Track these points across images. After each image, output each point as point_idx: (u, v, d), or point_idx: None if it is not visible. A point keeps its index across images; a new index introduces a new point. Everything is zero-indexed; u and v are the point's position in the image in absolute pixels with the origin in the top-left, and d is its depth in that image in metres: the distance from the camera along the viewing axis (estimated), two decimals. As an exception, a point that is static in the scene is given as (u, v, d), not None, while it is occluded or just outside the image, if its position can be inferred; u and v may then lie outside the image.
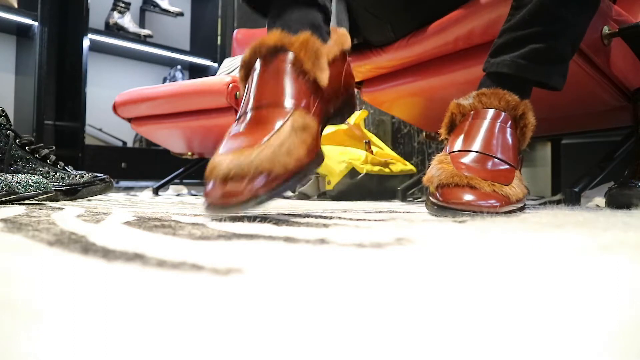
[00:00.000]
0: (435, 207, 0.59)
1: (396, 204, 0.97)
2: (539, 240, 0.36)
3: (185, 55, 2.77)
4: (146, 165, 2.43)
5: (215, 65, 2.77)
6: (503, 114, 0.66)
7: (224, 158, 0.51)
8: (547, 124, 1.08)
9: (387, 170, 1.31)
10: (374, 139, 1.49)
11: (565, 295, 0.20)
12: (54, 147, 1.08)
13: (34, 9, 2.09)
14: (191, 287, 0.22)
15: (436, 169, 0.61)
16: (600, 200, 0.91)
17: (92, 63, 2.42)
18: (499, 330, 0.16)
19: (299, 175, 0.54)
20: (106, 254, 0.30)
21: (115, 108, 1.77)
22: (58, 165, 1.04)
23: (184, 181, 2.50)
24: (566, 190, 0.87)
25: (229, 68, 2.06)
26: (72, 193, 1.01)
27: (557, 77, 0.68)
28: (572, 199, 0.85)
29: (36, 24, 2.09)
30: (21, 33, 2.25)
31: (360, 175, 1.21)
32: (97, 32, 2.35)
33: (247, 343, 0.15)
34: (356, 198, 1.19)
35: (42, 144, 1.05)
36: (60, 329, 0.16)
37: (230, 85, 1.49)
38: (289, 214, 0.63)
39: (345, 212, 0.69)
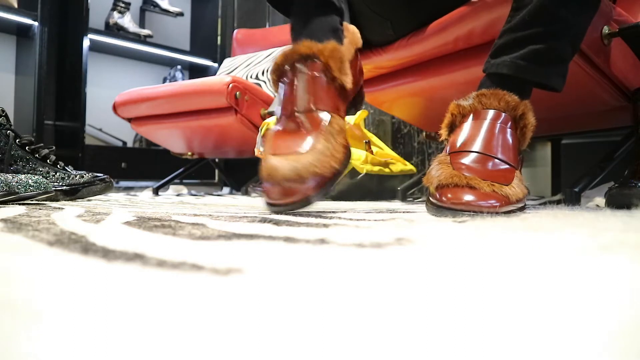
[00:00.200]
0: (435, 207, 0.59)
1: (396, 204, 0.97)
2: (539, 240, 0.36)
3: (185, 55, 2.77)
4: (146, 165, 2.43)
5: (215, 65, 2.77)
6: (503, 114, 0.66)
7: (280, 162, 0.60)
8: (547, 124, 1.08)
9: (387, 170, 1.31)
10: (374, 139, 1.49)
11: (565, 296, 0.20)
12: (54, 147, 1.08)
13: (34, 9, 2.09)
14: (191, 287, 0.22)
15: (436, 170, 0.61)
16: (600, 200, 0.91)
17: (92, 63, 2.42)
18: (499, 330, 0.16)
19: (339, 174, 0.64)
20: (106, 254, 0.30)
21: (115, 108, 1.77)
22: (58, 165, 1.04)
23: (184, 181, 2.50)
24: (566, 190, 0.87)
25: (229, 68, 2.06)
26: (72, 193, 1.01)
27: (556, 78, 0.68)
28: (572, 199, 0.85)
29: (36, 24, 2.09)
30: (21, 33, 2.25)
31: (360, 175, 1.21)
32: (97, 32, 2.35)
33: (247, 343, 0.15)
34: (356, 198, 1.19)
35: (42, 144, 1.05)
36: (60, 329, 0.16)
37: (230, 85, 1.49)
38: (289, 214, 0.63)
39: (345, 212, 0.69)
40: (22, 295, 0.21)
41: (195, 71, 2.89)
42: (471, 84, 0.75)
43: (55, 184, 1.00)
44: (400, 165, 1.39)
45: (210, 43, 2.86)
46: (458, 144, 0.65)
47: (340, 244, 0.35)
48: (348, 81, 0.70)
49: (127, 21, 2.54)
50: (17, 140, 1.02)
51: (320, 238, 0.37)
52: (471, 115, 0.67)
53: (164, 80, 2.73)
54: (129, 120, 1.81)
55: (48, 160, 1.03)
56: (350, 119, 1.32)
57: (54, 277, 0.24)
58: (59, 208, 0.75)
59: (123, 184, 2.39)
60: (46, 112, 2.15)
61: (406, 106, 1.21)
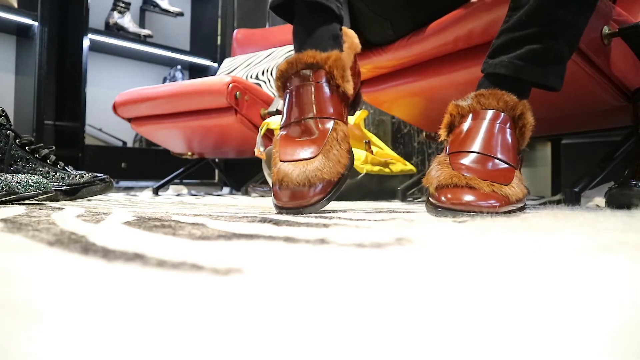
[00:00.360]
0: (435, 208, 0.59)
1: (396, 204, 0.97)
2: (539, 240, 0.36)
3: (185, 55, 2.77)
4: (146, 165, 2.43)
5: (215, 65, 2.77)
6: (502, 114, 0.66)
7: (290, 168, 0.65)
8: (547, 123, 1.08)
9: (387, 170, 1.31)
10: (374, 139, 1.49)
11: (565, 296, 0.20)
12: (54, 147, 1.08)
13: (34, 9, 2.09)
14: (191, 287, 0.22)
15: (435, 170, 0.62)
16: (600, 200, 0.91)
17: (92, 63, 2.42)
18: (499, 330, 0.16)
19: (344, 178, 0.69)
20: (106, 254, 0.30)
21: (115, 108, 1.77)
22: (58, 165, 1.04)
23: (184, 181, 2.50)
24: (566, 190, 0.87)
25: (229, 68, 2.06)
26: (72, 193, 1.01)
27: (554, 78, 0.68)
28: (572, 199, 0.85)
29: (36, 24, 2.09)
30: (21, 33, 2.25)
31: (360, 175, 1.21)
32: (97, 32, 2.35)
33: (247, 343, 0.15)
34: (356, 198, 1.19)
35: (42, 144, 1.05)
36: (60, 329, 0.16)
37: (230, 85, 1.49)
38: (289, 214, 0.63)
39: (345, 212, 0.69)
40: (22, 295, 0.21)
41: (195, 71, 2.89)
42: (471, 84, 0.75)
43: (55, 184, 1.00)
44: (400, 165, 1.39)
45: (210, 43, 2.85)
46: (457, 145, 0.65)
47: (340, 244, 0.35)
48: (350, 88, 0.74)
49: (127, 21, 2.54)
50: (17, 140, 1.02)
51: (320, 238, 0.37)
52: (470, 116, 0.67)
53: (164, 80, 2.73)
54: (129, 120, 1.81)
55: (48, 160, 1.03)
56: (350, 119, 1.32)
57: (54, 277, 0.24)
58: (59, 208, 0.75)
59: (123, 184, 2.39)
60: (46, 112, 2.15)
61: (406, 106, 1.21)
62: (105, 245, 0.34)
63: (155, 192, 1.87)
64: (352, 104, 0.81)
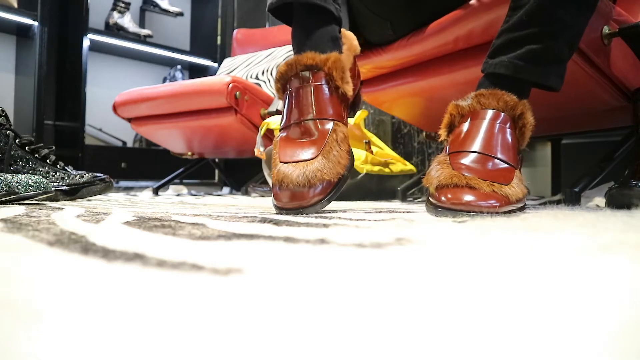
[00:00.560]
0: (435, 208, 0.59)
1: (396, 204, 0.97)
2: (539, 240, 0.36)
3: (185, 55, 2.77)
4: (146, 165, 2.44)
5: (215, 65, 2.77)
6: (502, 114, 0.66)
7: (290, 169, 0.65)
8: (547, 124, 1.08)
9: (387, 170, 1.31)
10: (374, 139, 1.49)
11: (565, 296, 0.20)
12: (54, 147, 1.08)
13: (34, 9, 2.09)
14: (191, 287, 0.22)
15: (435, 170, 0.61)
16: (600, 200, 0.91)
17: (92, 63, 2.42)
18: (499, 330, 0.16)
19: (344, 178, 0.69)
20: (106, 254, 0.30)
21: (115, 108, 1.77)
22: (58, 165, 1.04)
23: (184, 181, 2.50)
24: (566, 190, 0.87)
25: (229, 68, 2.06)
26: (72, 193, 1.01)
27: (554, 78, 0.68)
28: (572, 199, 0.85)
29: (36, 24, 2.09)
30: (21, 33, 2.25)
31: (360, 175, 1.21)
32: (97, 32, 2.35)
33: (247, 343, 0.15)
34: (356, 198, 1.19)
35: (42, 144, 1.05)
36: (60, 329, 0.16)
37: (230, 85, 1.49)
38: (289, 214, 0.63)
39: (345, 212, 0.69)
40: (22, 295, 0.21)
41: (195, 71, 2.89)
42: (471, 83, 0.75)
43: (55, 184, 1.00)
44: (400, 165, 1.39)
45: (210, 43, 2.85)
46: (457, 145, 0.65)
47: (340, 244, 0.35)
48: (349, 89, 0.74)
49: (127, 21, 2.54)
50: (17, 140, 1.02)
51: (320, 238, 0.37)
52: (470, 116, 0.67)
53: (164, 80, 2.73)
54: (129, 120, 1.81)
55: (48, 160, 1.03)
56: (350, 119, 1.32)
57: (54, 277, 0.24)
58: (59, 208, 0.75)
59: (123, 184, 2.39)
60: (46, 112, 2.15)
61: (406, 106, 1.21)
62: (105, 245, 0.34)
63: (155, 192, 1.87)
64: (352, 106, 0.81)
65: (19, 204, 0.83)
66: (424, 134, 1.30)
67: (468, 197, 0.56)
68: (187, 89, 1.58)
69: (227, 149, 1.87)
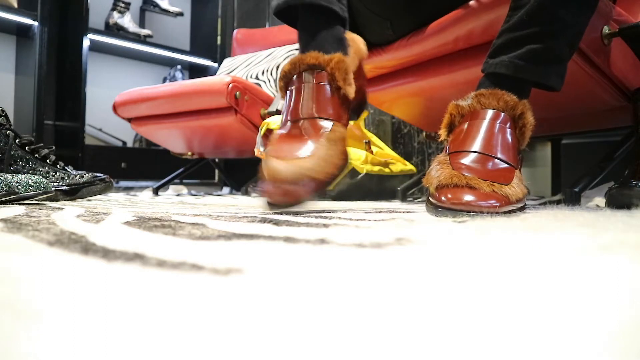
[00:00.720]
0: (435, 207, 0.59)
1: (396, 204, 0.97)
2: (539, 240, 0.36)
3: (185, 55, 2.77)
4: (146, 165, 2.44)
5: (215, 65, 2.76)
6: (502, 114, 0.66)
7: (281, 165, 0.63)
8: (547, 124, 1.08)
9: (387, 170, 1.31)
10: (374, 139, 1.49)
11: (566, 296, 0.20)
12: (54, 147, 1.08)
13: (34, 9, 2.09)
14: (191, 287, 0.22)
15: (435, 170, 0.61)
16: (600, 200, 0.91)
17: (92, 63, 2.42)
18: (499, 330, 0.16)
19: (335, 177, 0.68)
20: (106, 254, 0.30)
21: (115, 108, 1.77)
22: (58, 165, 1.04)
23: (184, 181, 2.50)
24: (566, 190, 0.87)
25: (229, 68, 2.06)
26: (72, 193, 1.01)
27: (555, 78, 0.68)
28: (572, 199, 0.85)
29: (36, 24, 2.09)
30: (21, 33, 2.25)
31: (360, 175, 1.21)
32: (97, 32, 2.35)
33: (247, 343, 0.15)
34: (356, 198, 1.19)
35: (42, 144, 1.05)
36: (60, 329, 0.16)
37: (230, 85, 1.49)
38: (289, 214, 0.63)
39: (345, 212, 0.69)
40: (22, 295, 0.21)
41: (195, 71, 2.89)
42: (471, 83, 0.75)
43: (55, 184, 1.00)
44: (400, 165, 1.39)
45: (210, 43, 2.85)
46: (457, 144, 0.65)
47: (340, 244, 0.35)
48: (351, 92, 0.73)
49: (127, 21, 2.54)
50: (17, 140, 1.02)
51: (320, 238, 0.37)
52: (470, 115, 0.67)
53: (164, 80, 2.73)
54: (129, 120, 1.81)
55: (48, 160, 1.03)
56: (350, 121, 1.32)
57: (54, 277, 0.24)
58: (59, 208, 0.75)
59: (123, 184, 2.39)
60: (46, 112, 2.15)
61: (406, 106, 1.21)
62: (105, 245, 0.34)
63: (155, 192, 1.87)
64: (357, 108, 0.81)
65: (19, 204, 0.83)
66: (424, 134, 1.30)
67: (468, 197, 0.56)
68: (187, 89, 1.58)
69: (227, 149, 1.87)
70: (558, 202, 0.89)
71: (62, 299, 0.20)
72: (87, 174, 1.05)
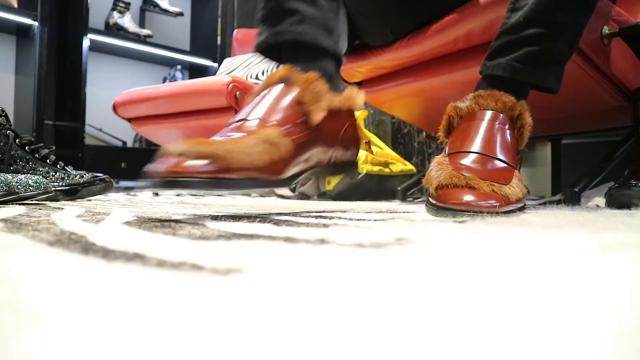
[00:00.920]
0: (435, 208, 0.59)
1: (396, 204, 0.97)
2: (539, 240, 0.36)
3: (185, 55, 2.77)
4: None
5: (215, 65, 2.77)
6: (500, 115, 0.66)
7: (181, 144, 0.55)
8: (547, 124, 1.08)
9: (387, 170, 1.31)
10: (374, 139, 1.49)
11: (565, 296, 0.20)
12: (53, 147, 1.08)
13: (34, 9, 2.09)
14: (191, 287, 0.22)
15: (435, 170, 0.61)
16: (600, 200, 0.91)
17: (92, 63, 2.42)
18: (499, 331, 0.16)
19: (249, 176, 0.57)
20: (106, 254, 0.30)
21: (115, 108, 1.77)
22: (58, 165, 1.04)
23: (184, 181, 2.50)
24: (566, 190, 0.87)
25: (229, 68, 2.06)
26: (72, 193, 1.01)
27: (552, 80, 0.68)
28: (572, 199, 0.85)
29: (36, 24, 2.09)
30: (21, 33, 2.25)
31: (360, 175, 1.21)
32: (97, 32, 2.35)
33: (247, 343, 0.15)
34: (356, 198, 1.19)
35: (42, 144, 1.05)
36: (60, 329, 0.16)
37: (230, 85, 1.49)
38: (289, 214, 0.63)
39: (345, 212, 0.69)
40: (22, 295, 0.21)
41: (195, 71, 2.89)
42: (471, 84, 0.75)
43: (55, 184, 0.99)
44: (400, 165, 1.39)
45: (210, 43, 2.86)
46: (456, 145, 0.65)
47: (340, 244, 0.35)
48: (316, 116, 0.64)
49: (127, 21, 2.54)
50: (17, 140, 1.02)
51: (320, 238, 0.37)
52: (469, 117, 0.67)
53: (164, 80, 2.73)
54: (129, 120, 1.81)
55: (48, 160, 1.03)
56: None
57: (54, 277, 0.24)
58: (59, 208, 0.75)
59: (123, 184, 2.39)
60: (46, 112, 2.15)
61: (406, 106, 1.21)
62: (105, 245, 0.34)
63: (155, 192, 1.87)
64: (343, 163, 0.73)
65: (19, 204, 0.83)
66: (424, 134, 1.30)
67: (468, 197, 0.56)
68: (187, 89, 1.58)
69: (227, 149, 1.87)
70: (558, 202, 0.89)
71: (62, 299, 0.20)
72: (87, 174, 1.05)
